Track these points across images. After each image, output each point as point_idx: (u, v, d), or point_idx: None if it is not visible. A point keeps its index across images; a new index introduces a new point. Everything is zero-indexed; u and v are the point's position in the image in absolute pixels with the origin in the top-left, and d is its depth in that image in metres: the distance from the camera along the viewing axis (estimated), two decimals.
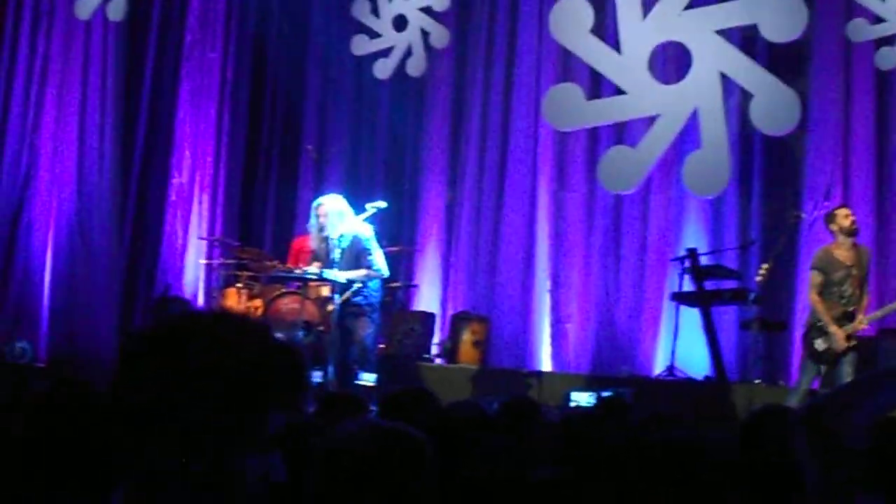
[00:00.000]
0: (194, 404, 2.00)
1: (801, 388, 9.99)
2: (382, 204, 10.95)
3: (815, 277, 10.08)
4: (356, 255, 10.51)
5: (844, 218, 10.12)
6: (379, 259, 10.57)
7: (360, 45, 13.76)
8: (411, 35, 13.48)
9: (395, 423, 2.63)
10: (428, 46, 13.43)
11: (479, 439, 4.30)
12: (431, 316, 13.15)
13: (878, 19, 11.52)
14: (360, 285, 10.53)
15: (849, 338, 9.79)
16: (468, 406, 5.10)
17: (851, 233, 10.07)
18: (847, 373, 9.69)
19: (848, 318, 9.85)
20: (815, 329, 9.99)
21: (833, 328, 9.83)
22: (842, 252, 10.05)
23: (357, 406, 5.72)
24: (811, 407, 2.70)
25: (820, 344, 9.90)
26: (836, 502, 2.44)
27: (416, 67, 13.50)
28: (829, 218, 10.31)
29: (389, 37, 13.59)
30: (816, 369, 9.91)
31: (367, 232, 10.62)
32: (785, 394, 10.45)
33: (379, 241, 10.88)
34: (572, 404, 10.40)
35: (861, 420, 2.45)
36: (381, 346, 11.95)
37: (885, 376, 2.60)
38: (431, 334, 12.95)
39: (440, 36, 13.41)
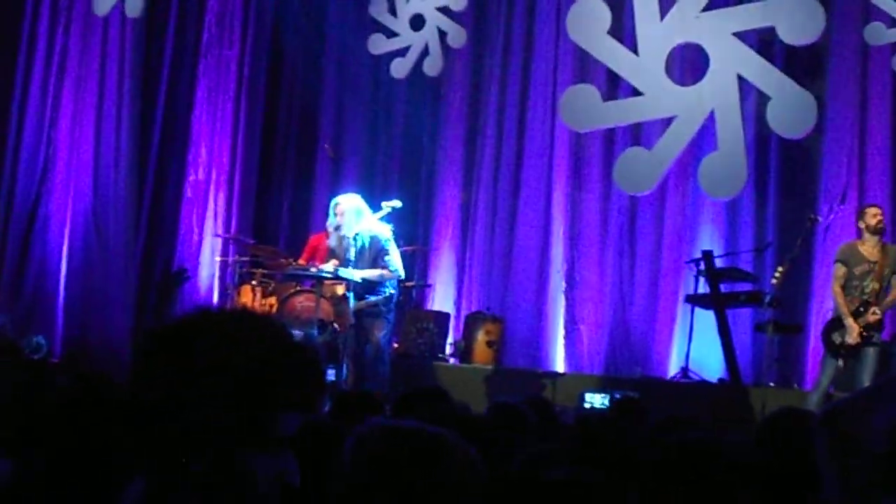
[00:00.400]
0: (201, 402, 1.99)
1: (821, 384, 9.98)
2: (398, 203, 10.95)
3: (838, 270, 10.14)
4: (374, 255, 10.52)
5: (872, 217, 10.15)
6: (396, 259, 10.57)
7: (377, 45, 13.76)
8: (428, 34, 13.47)
9: (417, 423, 2.61)
10: (445, 46, 13.41)
11: (497, 439, 4.30)
12: (446, 315, 13.15)
13: (895, 23, 11.49)
14: (388, 291, 10.55)
15: (865, 329, 9.79)
16: (503, 407, 5.09)
17: (877, 231, 10.09)
18: (866, 372, 9.69)
19: (867, 311, 9.88)
20: (834, 322, 10.04)
21: (849, 321, 9.87)
22: (867, 248, 10.08)
23: (371, 405, 5.73)
24: (829, 411, 2.70)
25: (836, 337, 9.94)
26: None
27: (432, 67, 13.49)
28: (859, 215, 10.38)
29: (406, 36, 13.58)
30: (834, 364, 9.91)
31: (385, 232, 10.62)
32: (799, 396, 10.45)
33: (396, 240, 10.89)
34: (586, 405, 10.40)
35: (881, 423, 2.45)
36: (395, 345, 11.96)
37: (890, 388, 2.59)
38: (446, 334, 12.95)
39: (457, 36, 13.40)
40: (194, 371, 2.01)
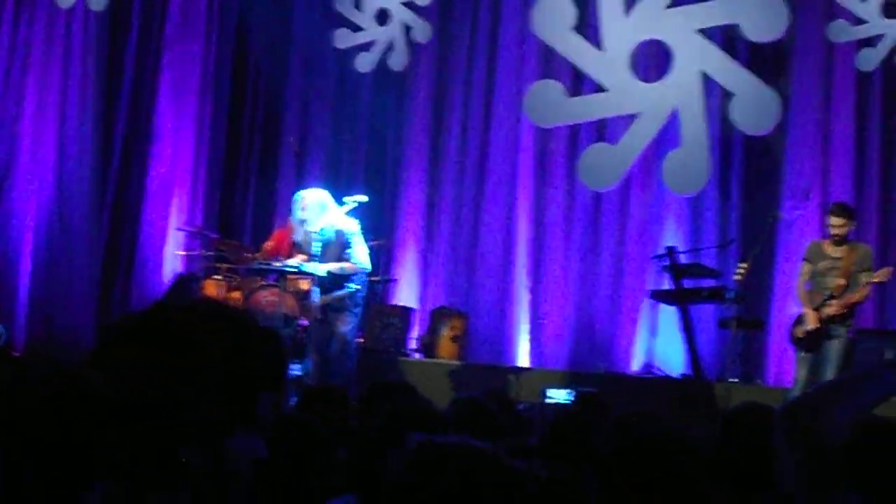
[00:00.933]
0: (197, 398, 2.00)
1: (798, 380, 10.02)
2: (363, 198, 10.93)
3: (803, 268, 10.25)
4: (339, 249, 10.47)
5: (828, 226, 10.18)
6: (361, 254, 10.53)
7: (343, 39, 13.74)
8: (393, 29, 13.47)
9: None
10: (410, 41, 13.42)
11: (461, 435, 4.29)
12: (410, 310, 13.15)
13: (858, 20, 11.57)
14: (353, 286, 10.51)
15: (826, 322, 9.86)
16: (467, 402, 5.10)
17: (832, 241, 10.11)
18: (829, 367, 9.75)
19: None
20: (798, 318, 10.11)
21: (806, 309, 9.96)
22: (832, 246, 10.11)
23: (337, 400, 5.74)
24: (790, 405, 2.72)
25: (799, 330, 10.01)
26: (815, 501, 2.46)
27: (397, 62, 13.50)
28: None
29: (372, 31, 13.57)
30: (804, 357, 9.98)
31: (351, 226, 10.57)
32: (762, 392, 10.52)
33: (362, 235, 10.85)
34: (549, 401, 10.41)
35: (842, 417, 2.47)
36: (360, 340, 11.94)
37: (865, 377, 2.62)
38: (410, 329, 12.96)
39: (422, 30, 13.41)
40: (186, 368, 2.01)
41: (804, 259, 10.26)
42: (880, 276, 10.04)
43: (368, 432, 3.77)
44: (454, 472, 2.46)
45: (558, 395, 10.44)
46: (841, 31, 11.70)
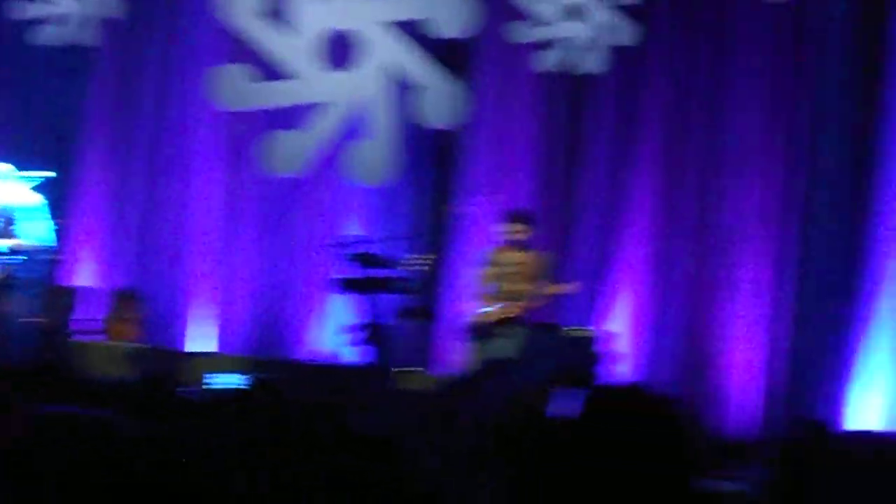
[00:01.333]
0: None
1: (466, 367, 10.28)
2: (49, 173, 10.67)
3: (482, 271, 10.49)
4: (7, 225, 10.20)
5: (497, 233, 10.53)
6: (35, 230, 10.26)
7: (25, 10, 13.31)
8: (81, 3, 13.16)
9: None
10: (99, 15, 13.14)
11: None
12: (88, 290, 12.87)
13: (536, 23, 11.94)
14: (25, 263, 10.23)
15: (501, 322, 10.17)
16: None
17: (506, 243, 10.45)
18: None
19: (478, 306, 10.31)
20: (476, 312, 10.40)
21: (483, 305, 10.24)
22: (512, 252, 10.40)
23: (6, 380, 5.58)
24: (439, 390, 2.82)
25: (476, 320, 10.30)
26: (457, 485, 2.55)
27: (83, 36, 13.19)
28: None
29: (58, 3, 13.22)
30: (474, 346, 10.27)
31: (23, 200, 10.30)
32: (436, 381, 10.74)
33: (45, 211, 10.56)
34: (216, 386, 10.37)
35: (471, 408, 2.57)
36: (35, 319, 11.62)
37: (500, 367, 2.75)
38: (87, 309, 12.67)
39: (110, 5, 13.14)
40: None
41: (485, 263, 10.55)
42: (564, 288, 10.44)
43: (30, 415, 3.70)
44: (65, 440, 2.48)
45: (229, 380, 10.41)
46: (520, 32, 12.03)
